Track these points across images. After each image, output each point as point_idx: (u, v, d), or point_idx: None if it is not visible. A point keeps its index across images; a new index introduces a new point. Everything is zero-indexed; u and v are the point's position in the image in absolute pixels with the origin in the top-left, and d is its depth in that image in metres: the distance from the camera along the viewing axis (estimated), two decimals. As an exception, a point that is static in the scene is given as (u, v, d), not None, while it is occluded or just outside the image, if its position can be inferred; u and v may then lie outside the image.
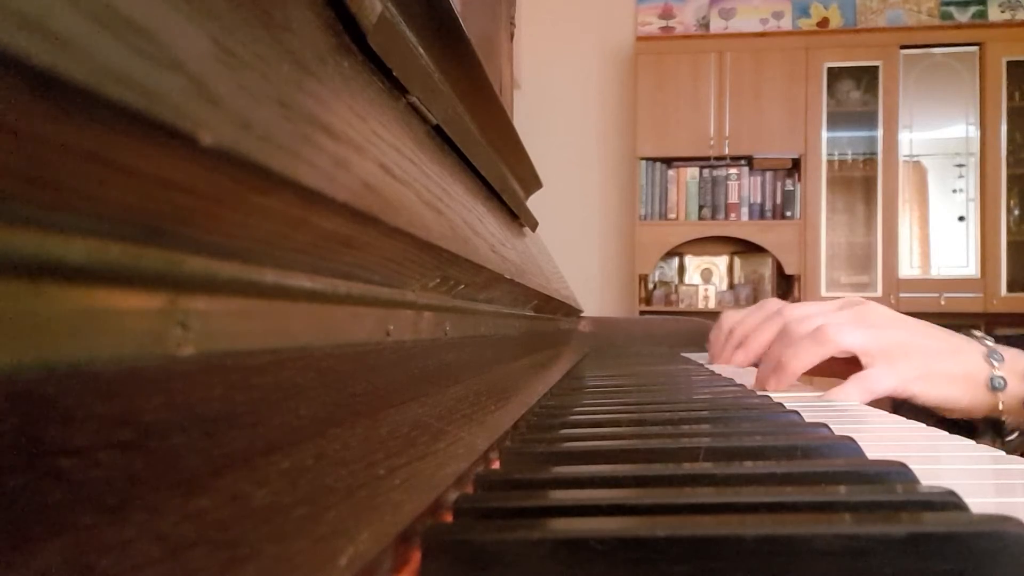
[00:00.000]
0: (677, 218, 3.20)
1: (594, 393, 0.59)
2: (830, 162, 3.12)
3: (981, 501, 0.22)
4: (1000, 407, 0.57)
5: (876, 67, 3.08)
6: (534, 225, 0.87)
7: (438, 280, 0.31)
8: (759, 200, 3.17)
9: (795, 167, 3.14)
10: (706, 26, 3.23)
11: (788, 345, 0.62)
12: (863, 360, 0.59)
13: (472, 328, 0.41)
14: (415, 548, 0.19)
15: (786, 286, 3.18)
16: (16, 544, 0.10)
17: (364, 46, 0.24)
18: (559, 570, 0.18)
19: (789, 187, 3.14)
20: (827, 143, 3.09)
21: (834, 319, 0.62)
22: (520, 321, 0.62)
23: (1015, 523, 0.18)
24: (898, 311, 0.64)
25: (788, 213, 3.14)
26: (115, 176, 0.10)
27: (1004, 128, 3.01)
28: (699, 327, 1.43)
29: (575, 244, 3.32)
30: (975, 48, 3.04)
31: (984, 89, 3.03)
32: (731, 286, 3.27)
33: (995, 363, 0.58)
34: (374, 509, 0.18)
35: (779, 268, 3.17)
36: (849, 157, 3.16)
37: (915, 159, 3.12)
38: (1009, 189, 3.02)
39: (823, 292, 3.05)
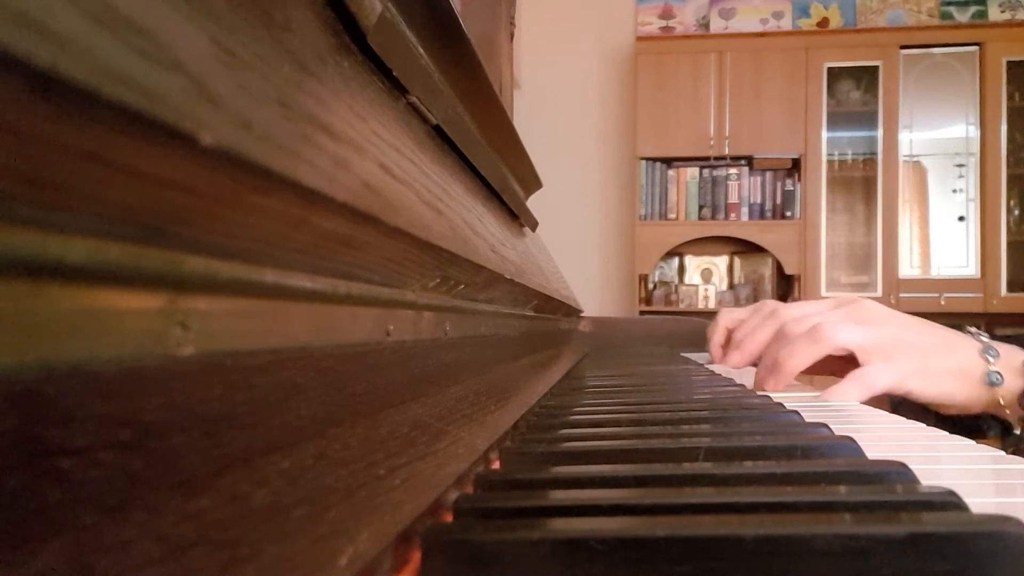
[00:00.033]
0: (677, 218, 3.20)
1: (594, 393, 0.59)
2: (830, 162, 3.12)
3: (981, 501, 0.22)
4: (1001, 402, 0.57)
5: (876, 67, 3.08)
6: (534, 225, 0.87)
7: (438, 280, 0.31)
8: (759, 200, 3.17)
9: (795, 167, 3.14)
10: (706, 26, 3.23)
11: (784, 345, 0.62)
12: (860, 357, 0.60)
13: (472, 328, 0.41)
14: (415, 548, 0.19)
15: (786, 286, 3.18)
16: (16, 544, 0.10)
17: (364, 46, 0.24)
18: (559, 570, 0.18)
19: (789, 187, 3.14)
20: (827, 143, 3.09)
21: (829, 317, 0.62)
22: (520, 321, 0.62)
23: (1015, 523, 0.18)
24: (899, 312, 0.64)
25: (788, 213, 3.14)
26: (115, 176, 0.10)
27: (1004, 128, 3.01)
28: (699, 327, 1.42)
29: (575, 244, 3.33)
30: (975, 48, 3.04)
31: (984, 89, 3.03)
32: (731, 286, 3.27)
33: (991, 358, 0.58)
34: (374, 509, 0.18)
35: (779, 268, 3.17)
36: (849, 157, 3.16)
37: (915, 159, 3.12)
38: (1009, 189, 3.03)
39: (823, 292, 3.05)
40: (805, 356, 0.61)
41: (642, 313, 3.14)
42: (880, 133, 3.09)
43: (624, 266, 3.35)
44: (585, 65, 3.39)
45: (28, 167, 0.09)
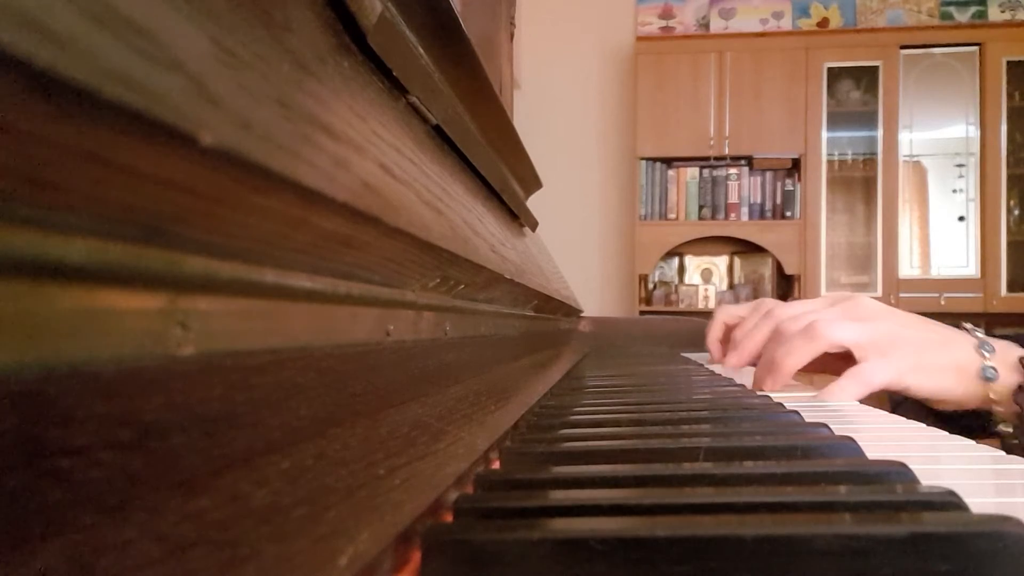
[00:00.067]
0: (677, 218, 3.20)
1: (594, 393, 0.59)
2: (830, 162, 3.12)
3: (981, 501, 0.22)
4: (992, 396, 0.58)
5: (876, 67, 3.08)
6: (534, 225, 0.87)
7: (438, 280, 0.31)
8: (759, 200, 3.17)
9: (795, 167, 3.14)
10: (706, 26, 3.23)
11: (781, 344, 0.62)
12: (856, 354, 0.60)
13: (472, 328, 0.41)
14: (415, 548, 0.19)
15: (786, 286, 3.18)
16: (16, 544, 0.10)
17: (364, 46, 0.24)
18: (559, 570, 0.18)
19: (789, 187, 3.14)
20: (827, 143, 3.09)
21: (825, 315, 0.62)
22: (520, 321, 0.62)
23: (1015, 523, 0.18)
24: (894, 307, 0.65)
25: (788, 213, 3.14)
26: (115, 176, 0.10)
27: (1004, 128, 3.01)
28: (699, 327, 1.42)
29: (575, 244, 3.33)
30: (975, 48, 3.04)
31: (984, 89, 3.03)
32: (731, 286, 3.27)
33: (986, 353, 0.58)
34: (374, 509, 0.18)
35: (779, 268, 3.17)
36: (849, 157, 3.17)
37: (915, 159, 3.12)
38: (1009, 189, 3.03)
39: (823, 292, 3.05)
40: (802, 354, 0.61)
41: (642, 313, 3.14)
42: (880, 133, 3.09)
43: (624, 266, 3.35)
44: (585, 65, 3.39)
45: (28, 167, 0.09)
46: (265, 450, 0.17)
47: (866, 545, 0.18)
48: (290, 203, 0.15)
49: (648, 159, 3.20)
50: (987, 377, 0.57)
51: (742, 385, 0.64)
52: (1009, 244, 3.02)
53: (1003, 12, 3.09)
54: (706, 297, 3.19)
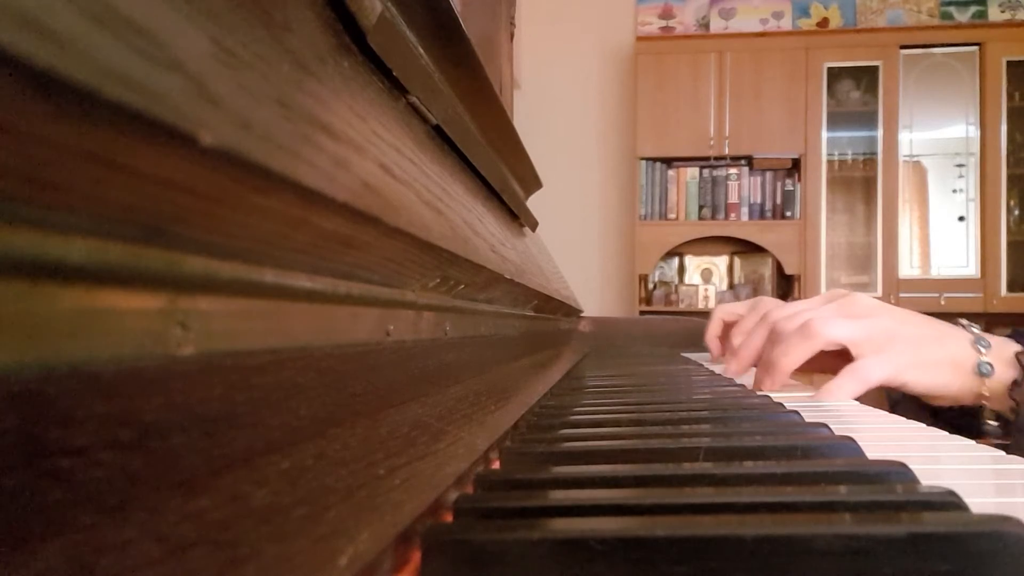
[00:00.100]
0: (677, 218, 3.20)
1: (594, 393, 0.59)
2: (830, 162, 3.12)
3: (981, 501, 0.22)
4: (984, 392, 0.58)
5: (876, 67, 3.08)
6: (534, 225, 0.87)
7: (438, 280, 0.31)
8: (759, 200, 3.17)
9: (795, 167, 3.14)
10: (706, 26, 3.23)
11: (777, 344, 0.62)
12: (853, 351, 0.60)
13: (472, 328, 0.41)
14: (415, 548, 0.19)
15: (786, 286, 3.18)
16: (16, 544, 0.10)
17: (364, 46, 0.24)
18: (559, 570, 0.18)
19: (789, 187, 3.14)
20: (827, 143, 3.09)
21: (820, 313, 0.62)
22: (520, 321, 0.62)
23: (1015, 523, 0.18)
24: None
25: (788, 213, 3.14)
26: (115, 176, 0.10)
27: (1004, 128, 3.01)
28: (699, 327, 1.42)
29: (575, 244, 3.33)
30: (975, 48, 3.04)
31: (984, 89, 3.03)
32: (731, 286, 3.27)
33: (982, 349, 0.58)
34: (374, 509, 0.18)
35: (779, 268, 3.17)
36: (849, 157, 3.16)
37: (915, 159, 3.12)
38: (1009, 189, 3.02)
39: (823, 292, 3.05)
40: (798, 353, 0.61)
41: (642, 313, 3.14)
42: (880, 133, 3.09)
43: (624, 266, 3.35)
44: (585, 65, 3.39)
45: (28, 167, 0.09)
46: (265, 450, 0.17)
47: (866, 545, 0.18)
48: (290, 203, 0.15)
49: (648, 159, 3.19)
50: (983, 372, 0.58)
51: (742, 385, 0.64)
52: (1009, 244, 3.02)
53: (1003, 12, 3.09)
54: (706, 297, 3.19)
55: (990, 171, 3.03)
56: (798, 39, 3.12)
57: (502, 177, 0.57)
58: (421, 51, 0.31)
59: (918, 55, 3.07)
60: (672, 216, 3.20)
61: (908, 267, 3.09)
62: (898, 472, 0.26)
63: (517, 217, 0.71)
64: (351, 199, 0.17)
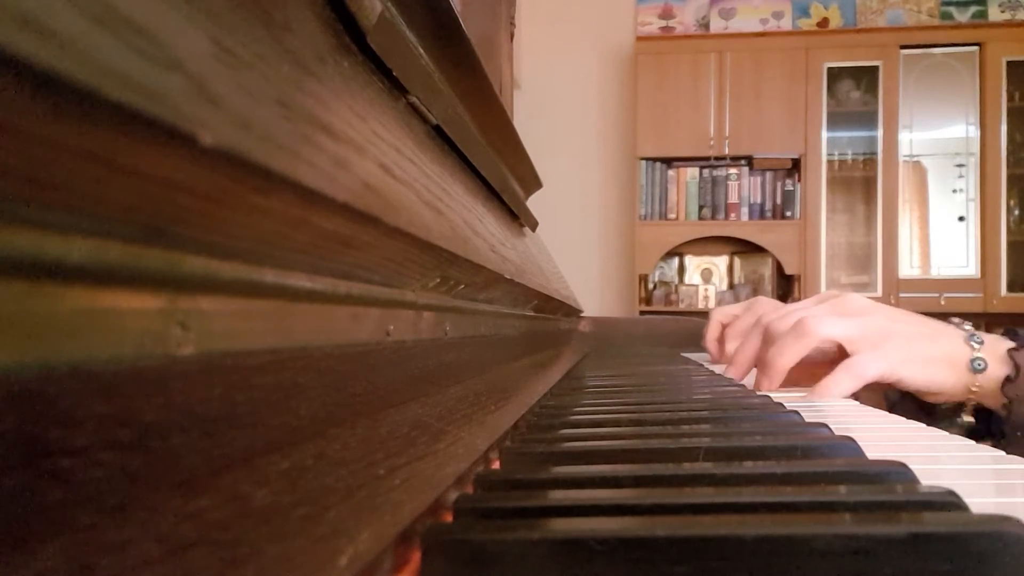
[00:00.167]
0: (677, 218, 3.20)
1: (594, 393, 0.59)
2: (830, 162, 3.12)
3: (981, 501, 0.22)
4: (974, 388, 0.58)
5: (876, 67, 3.08)
6: (534, 225, 0.87)
7: (438, 280, 0.31)
8: (759, 200, 3.17)
9: (795, 167, 3.14)
10: (706, 26, 3.23)
11: (772, 344, 0.63)
12: (848, 348, 0.60)
13: (472, 328, 0.41)
14: (415, 548, 0.19)
15: (786, 286, 3.18)
16: (16, 544, 0.10)
17: (364, 46, 0.24)
18: (559, 570, 0.18)
19: (789, 187, 3.14)
20: (827, 143, 3.09)
21: (813, 311, 0.63)
22: (520, 321, 0.62)
23: (1015, 523, 0.18)
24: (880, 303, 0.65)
25: (788, 213, 3.14)
26: (115, 176, 0.10)
27: (1004, 128, 3.01)
28: (699, 327, 1.42)
29: (575, 244, 3.32)
30: (975, 48, 3.04)
31: (984, 89, 3.03)
32: (731, 286, 3.27)
33: (976, 345, 0.58)
34: (374, 509, 0.18)
35: (779, 268, 3.17)
36: (849, 157, 3.16)
37: (915, 159, 3.12)
38: (1009, 189, 3.02)
39: (822, 293, 3.05)
40: (793, 352, 0.61)
41: (642, 313, 3.14)
42: (880, 133, 3.09)
43: (624, 266, 3.35)
44: (585, 65, 3.39)
45: (28, 167, 0.09)
46: (265, 450, 0.17)
47: (866, 545, 0.18)
48: (290, 203, 0.15)
49: (648, 159, 3.19)
50: (977, 368, 0.58)
51: (742, 385, 0.64)
52: (1009, 244, 3.02)
53: (1003, 12, 3.09)
54: (706, 297, 3.19)
55: (990, 171, 3.03)
56: (798, 39, 3.12)
57: (502, 177, 0.57)
58: (421, 51, 0.31)
59: (918, 55, 3.07)
60: (672, 216, 3.20)
61: (908, 267, 3.09)
62: (898, 472, 0.26)
63: (517, 217, 0.71)
64: (351, 199, 0.17)
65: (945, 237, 3.08)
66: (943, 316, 0.65)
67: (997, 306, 2.99)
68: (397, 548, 0.18)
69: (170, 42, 0.11)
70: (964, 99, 3.07)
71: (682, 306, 3.16)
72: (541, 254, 0.90)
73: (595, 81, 3.40)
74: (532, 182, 0.75)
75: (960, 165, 3.08)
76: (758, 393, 0.57)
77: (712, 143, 3.13)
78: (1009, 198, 3.02)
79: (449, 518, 0.22)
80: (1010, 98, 3.02)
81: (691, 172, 3.20)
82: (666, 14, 3.27)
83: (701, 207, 3.19)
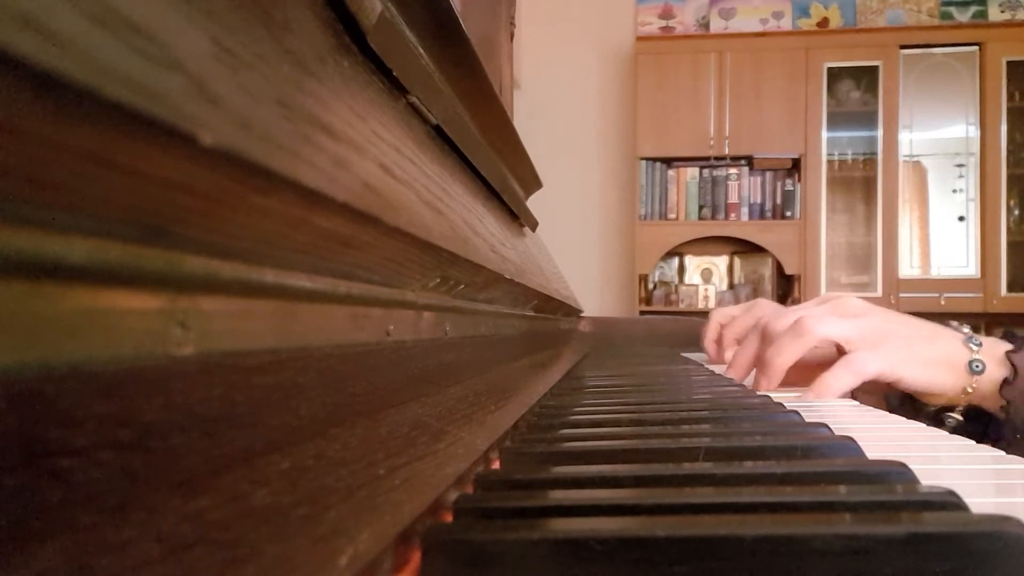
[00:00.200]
0: (677, 218, 3.20)
1: (594, 393, 0.59)
2: (830, 162, 3.12)
3: (981, 501, 0.22)
4: (969, 390, 0.58)
5: (876, 67, 3.08)
6: (534, 225, 0.87)
7: (438, 280, 0.31)
8: (759, 200, 3.17)
9: (795, 167, 3.14)
10: (706, 26, 3.23)
11: (770, 343, 0.63)
12: (846, 347, 0.60)
13: (472, 328, 0.41)
14: (415, 548, 0.19)
15: (786, 286, 3.18)
16: (16, 544, 0.10)
17: (364, 46, 0.24)
18: (559, 570, 0.18)
19: (789, 187, 3.14)
20: (827, 143, 3.09)
21: (812, 312, 0.63)
22: (520, 321, 0.62)
23: (1015, 523, 0.18)
24: (898, 311, 0.65)
25: (788, 213, 3.14)
26: (115, 176, 0.10)
27: (1004, 128, 3.01)
28: (699, 327, 1.42)
29: (575, 244, 3.32)
30: (975, 48, 3.04)
31: (984, 89, 3.03)
32: (731, 286, 3.27)
33: (974, 347, 0.59)
34: (374, 509, 0.18)
35: (779, 268, 3.17)
36: (849, 157, 3.16)
37: (915, 159, 3.12)
38: (1009, 189, 3.02)
39: (823, 292, 3.05)
40: (791, 351, 0.61)
41: (642, 313, 3.14)
42: (880, 133, 3.09)
43: (624, 266, 3.35)
44: (585, 65, 3.39)
45: (28, 167, 0.09)
46: (265, 450, 0.17)
47: (866, 545, 0.18)
48: (290, 203, 0.15)
49: (648, 159, 3.19)
50: (975, 370, 0.58)
51: (742, 385, 0.64)
52: (1009, 244, 3.02)
53: (1003, 12, 3.09)
54: (706, 297, 3.19)
55: (990, 171, 3.03)
56: (798, 39, 3.12)
57: (502, 177, 0.57)
58: (421, 51, 0.31)
59: (918, 55, 3.07)
60: (672, 216, 3.20)
61: (908, 267, 3.09)
62: (898, 472, 0.26)
63: (517, 217, 0.71)
64: (351, 199, 0.17)
65: (945, 237, 3.08)
66: (943, 316, 0.65)
67: (997, 306, 2.99)
68: (397, 548, 0.18)
69: (170, 42, 0.11)
70: (964, 99, 3.07)
71: (682, 306, 3.16)
72: (541, 254, 0.90)
73: (595, 81, 3.40)
74: (532, 182, 0.75)
75: (960, 165, 3.08)
76: (758, 393, 0.57)
77: (712, 143, 3.13)
78: (1009, 198, 3.02)
79: (449, 518, 0.22)
80: (1010, 98, 3.02)
81: (691, 172, 3.20)
82: (666, 14, 3.27)
83: (701, 207, 3.19)
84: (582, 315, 1.44)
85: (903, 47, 3.07)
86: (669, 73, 3.15)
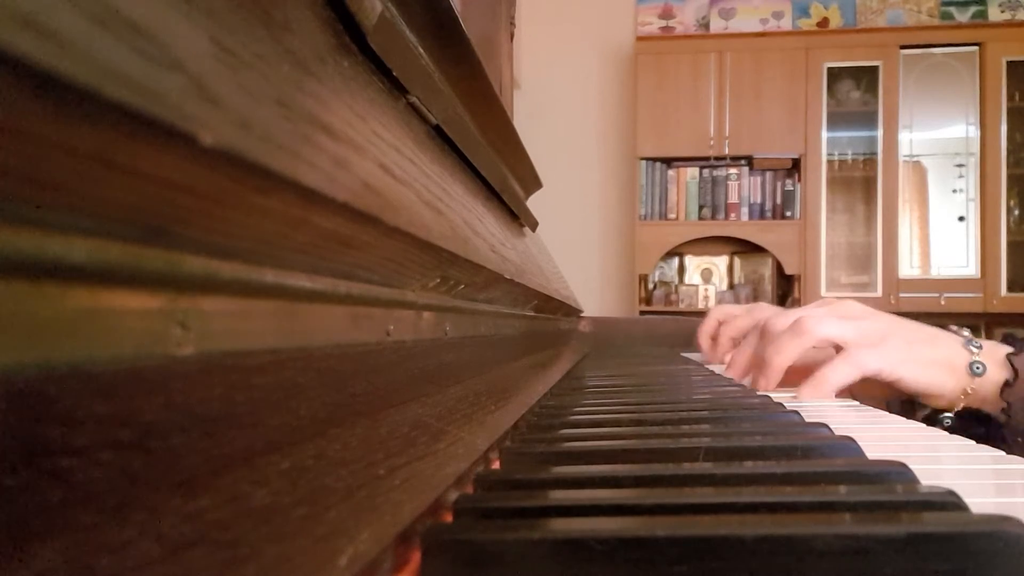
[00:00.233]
0: (677, 218, 3.20)
1: (594, 393, 0.59)
2: (830, 162, 3.12)
3: (981, 501, 0.22)
4: (969, 391, 0.58)
5: (876, 67, 3.08)
6: (534, 225, 0.87)
7: (438, 280, 0.31)
8: (759, 200, 3.17)
9: (795, 167, 3.14)
10: (706, 26, 3.23)
11: (770, 343, 0.63)
12: (846, 348, 0.60)
13: (472, 328, 0.41)
14: (415, 548, 0.19)
15: (786, 286, 3.18)
16: (16, 544, 0.10)
17: (364, 46, 0.24)
18: (559, 570, 0.18)
19: (789, 187, 3.14)
20: (827, 143, 3.09)
21: (811, 312, 0.63)
22: (520, 321, 0.62)
23: (1015, 523, 0.18)
24: (898, 311, 0.65)
25: (788, 213, 3.14)
26: (115, 176, 0.10)
27: (1004, 128, 3.01)
28: (699, 327, 1.42)
29: (575, 244, 3.32)
30: (975, 48, 3.04)
31: (984, 89, 3.03)
32: (731, 286, 3.27)
33: (974, 350, 0.59)
34: (374, 509, 0.18)
35: (779, 268, 3.17)
36: (849, 157, 3.16)
37: (915, 159, 3.12)
38: (1009, 189, 3.02)
39: (823, 292, 3.05)
40: (790, 350, 0.61)
41: (642, 313, 3.14)
42: (880, 133, 3.09)
43: (624, 266, 3.35)
44: (585, 65, 3.39)
45: (28, 167, 0.09)
46: (265, 450, 0.17)
47: (866, 545, 0.18)
48: (290, 203, 0.15)
49: (648, 159, 3.19)
50: (976, 372, 0.58)
51: (742, 385, 0.64)
52: (1009, 244, 3.02)
53: (1003, 12, 3.08)
54: (706, 297, 3.19)
55: (990, 171, 3.03)
56: (798, 39, 3.12)
57: (502, 177, 0.57)
58: (421, 51, 0.31)
59: (918, 55, 3.07)
60: (672, 216, 3.20)
61: (908, 267, 3.09)
62: (898, 472, 0.26)
63: (517, 217, 0.71)
64: (351, 199, 0.17)
65: (945, 237, 3.08)
66: (943, 316, 0.65)
67: (997, 306, 2.99)
68: (397, 548, 0.18)
69: (170, 42, 0.11)
70: (964, 99, 3.07)
71: (682, 306, 3.16)
72: (541, 254, 0.90)
73: (595, 81, 3.40)
74: (532, 182, 0.75)
75: (960, 165, 3.08)
76: (757, 393, 0.57)
77: (712, 143, 3.13)
78: (1009, 198, 3.02)
79: (449, 518, 0.22)
80: (1010, 98, 3.02)
81: (691, 172, 3.20)
82: (666, 14, 3.27)
83: (701, 207, 3.19)
84: (582, 315, 1.44)
85: (903, 47, 3.07)
86: (669, 73, 3.15)
